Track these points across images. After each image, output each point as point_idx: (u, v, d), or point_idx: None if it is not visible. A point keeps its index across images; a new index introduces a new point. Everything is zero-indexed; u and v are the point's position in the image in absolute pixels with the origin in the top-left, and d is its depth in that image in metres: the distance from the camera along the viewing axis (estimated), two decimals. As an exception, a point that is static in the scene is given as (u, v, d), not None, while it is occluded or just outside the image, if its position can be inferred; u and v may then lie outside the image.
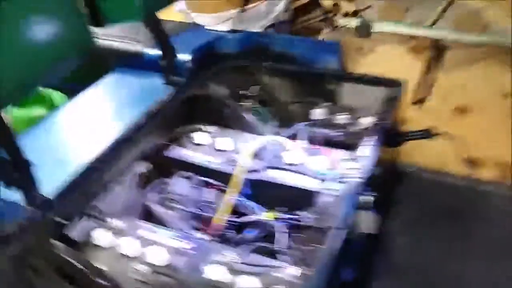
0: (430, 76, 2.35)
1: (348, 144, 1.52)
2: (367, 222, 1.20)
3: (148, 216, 1.37)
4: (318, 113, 1.64)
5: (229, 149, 1.52)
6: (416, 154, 1.95)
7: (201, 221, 1.38)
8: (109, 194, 1.34)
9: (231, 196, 1.36)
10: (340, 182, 1.32)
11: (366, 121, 1.58)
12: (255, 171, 1.44)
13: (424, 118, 2.22)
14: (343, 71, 1.75)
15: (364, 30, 2.41)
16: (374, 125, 1.52)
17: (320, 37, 2.60)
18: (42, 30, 1.00)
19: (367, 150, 1.38)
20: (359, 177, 1.27)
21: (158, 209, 1.36)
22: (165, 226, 1.31)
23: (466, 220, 1.71)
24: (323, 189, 1.34)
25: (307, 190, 1.37)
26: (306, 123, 1.59)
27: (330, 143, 1.55)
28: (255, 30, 2.53)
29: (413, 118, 2.17)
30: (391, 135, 1.51)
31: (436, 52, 2.36)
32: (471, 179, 1.82)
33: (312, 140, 1.56)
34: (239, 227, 1.38)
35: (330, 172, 1.39)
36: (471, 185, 1.84)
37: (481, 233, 1.69)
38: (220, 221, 1.34)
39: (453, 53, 2.32)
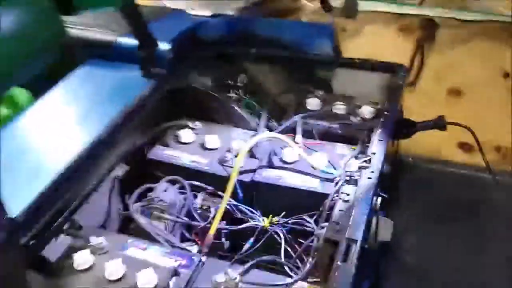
0: (421, 57, 2.23)
1: (351, 136, 1.39)
2: (384, 229, 1.07)
3: (132, 228, 1.22)
4: (313, 103, 1.50)
5: (219, 147, 1.38)
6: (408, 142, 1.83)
7: (193, 232, 1.24)
8: (86, 205, 1.18)
9: (226, 201, 1.20)
10: (348, 182, 1.17)
11: (368, 110, 1.44)
12: (250, 171, 1.30)
13: (416, 102, 2.10)
14: (338, 56, 1.60)
15: (350, 10, 2.25)
16: (379, 115, 1.38)
17: (304, 19, 2.44)
18: (8, 25, 0.83)
19: (375, 144, 1.24)
20: (371, 177, 1.12)
21: (142, 220, 1.20)
22: (152, 239, 1.15)
23: (477, 212, 1.60)
24: (329, 190, 1.20)
25: (311, 191, 1.23)
26: (302, 114, 1.44)
27: (331, 136, 1.41)
28: (229, 13, 2.36)
29: (404, 102, 2.06)
30: (400, 126, 1.38)
31: (427, 31, 2.24)
32: (475, 167, 1.70)
33: (310, 134, 1.42)
34: (237, 236, 1.24)
35: (335, 171, 1.25)
36: (475, 174, 1.72)
37: (493, 224, 1.58)
38: (215, 230, 1.19)
39: (445, 31, 2.20)
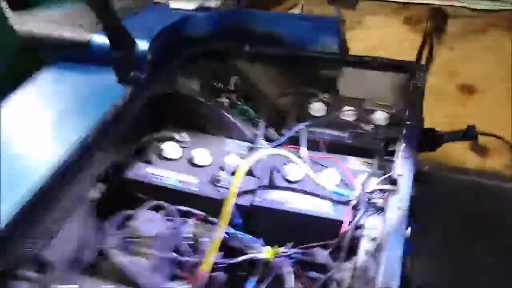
0: (430, 51, 2.05)
1: (364, 148, 1.21)
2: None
3: (108, 266, 1.03)
4: (317, 108, 1.33)
5: (211, 163, 1.21)
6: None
7: (183, 269, 1.05)
8: (54, 238, 1.00)
9: (222, 231, 1.01)
10: (369, 209, 0.98)
11: (382, 116, 1.25)
12: (249, 192, 1.12)
13: (425, 100, 1.94)
14: (345, 53, 1.42)
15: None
16: (395, 122, 1.20)
17: (296, 10, 2.26)
18: None
19: (401, 164, 1.04)
20: (401, 207, 0.93)
21: (119, 258, 1.01)
22: (132, 281, 0.98)
23: (503, 226, 1.43)
24: (344, 215, 1.01)
25: (323, 218, 1.04)
26: (306, 122, 1.27)
27: (340, 147, 1.23)
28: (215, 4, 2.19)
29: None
30: (423, 137, 1.19)
31: (436, 22, 2.06)
32: (500, 177, 1.52)
33: (316, 145, 1.23)
34: (235, 268, 1.06)
35: (350, 192, 1.06)
36: (500, 184, 1.54)
37: None
38: (209, 266, 1.00)
39: (456, 22, 2.03)
